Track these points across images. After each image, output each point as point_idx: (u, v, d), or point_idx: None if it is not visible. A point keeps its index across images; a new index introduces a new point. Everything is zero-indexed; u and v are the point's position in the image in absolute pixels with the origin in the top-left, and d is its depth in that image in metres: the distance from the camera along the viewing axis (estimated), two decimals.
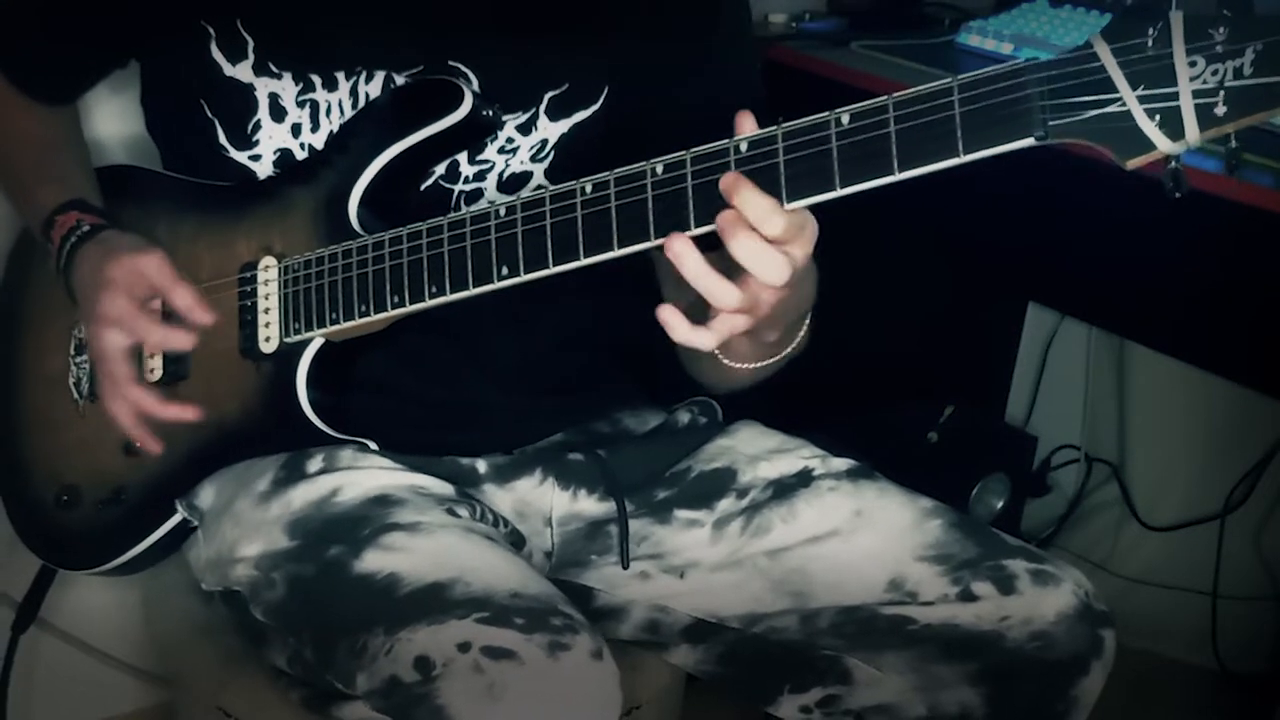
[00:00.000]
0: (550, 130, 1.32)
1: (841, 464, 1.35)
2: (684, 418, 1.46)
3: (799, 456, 1.36)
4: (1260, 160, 1.56)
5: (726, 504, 1.34)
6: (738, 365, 1.20)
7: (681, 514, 1.35)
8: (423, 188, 1.31)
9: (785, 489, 1.33)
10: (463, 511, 1.27)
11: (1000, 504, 2.29)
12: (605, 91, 1.32)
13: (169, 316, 1.27)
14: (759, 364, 1.20)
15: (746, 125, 1.03)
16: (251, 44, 1.27)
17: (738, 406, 1.47)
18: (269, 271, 1.28)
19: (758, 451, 1.38)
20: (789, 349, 1.20)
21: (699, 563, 1.33)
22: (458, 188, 1.32)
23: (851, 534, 1.29)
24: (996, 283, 2.30)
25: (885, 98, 0.97)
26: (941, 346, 2.34)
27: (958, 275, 2.24)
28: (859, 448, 1.39)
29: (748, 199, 1.00)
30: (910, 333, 2.25)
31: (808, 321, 1.20)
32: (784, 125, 1.01)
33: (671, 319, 1.04)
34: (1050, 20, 1.95)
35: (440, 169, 1.31)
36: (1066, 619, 1.21)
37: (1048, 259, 1.84)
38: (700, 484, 1.37)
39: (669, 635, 1.35)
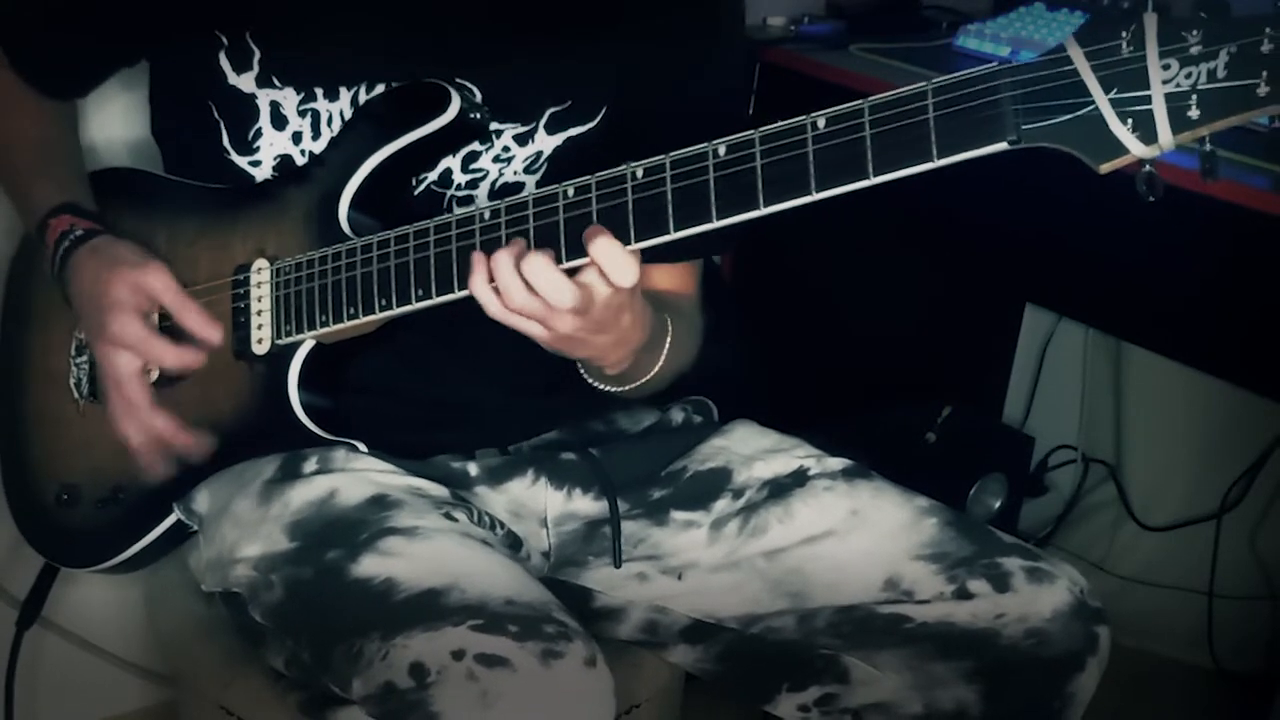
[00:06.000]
0: (546, 143, 1.32)
1: (837, 463, 1.36)
2: (678, 417, 1.47)
3: (794, 456, 1.37)
4: (1255, 163, 1.57)
5: (723, 504, 1.35)
6: (598, 385, 1.26)
7: (678, 515, 1.35)
8: (416, 192, 1.32)
9: (781, 489, 1.34)
10: (459, 515, 1.27)
11: (998, 504, 2.30)
12: (605, 110, 1.32)
13: (171, 329, 1.29)
14: (622, 387, 1.26)
15: None
16: (258, 55, 1.28)
17: (734, 405, 1.48)
18: (262, 273, 1.29)
19: (753, 451, 1.39)
20: (646, 378, 1.25)
21: (696, 564, 1.34)
22: (450, 193, 1.33)
23: (847, 533, 1.29)
24: (994, 284, 2.31)
25: (860, 101, 0.98)
26: (939, 347, 2.35)
27: (955, 276, 2.24)
28: (857, 448, 1.40)
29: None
30: (908, 334, 2.26)
31: (662, 358, 1.25)
32: (761, 130, 1.02)
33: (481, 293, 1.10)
34: (1048, 23, 1.96)
35: (433, 174, 1.31)
36: (1062, 616, 1.22)
37: (1045, 260, 1.85)
38: (696, 484, 1.37)
39: (668, 635, 1.36)
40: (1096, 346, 2.48)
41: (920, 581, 1.25)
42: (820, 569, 1.29)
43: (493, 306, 1.10)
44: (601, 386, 1.27)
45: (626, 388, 1.27)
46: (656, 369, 1.26)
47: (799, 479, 1.34)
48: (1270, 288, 1.57)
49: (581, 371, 1.25)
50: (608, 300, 1.09)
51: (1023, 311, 2.54)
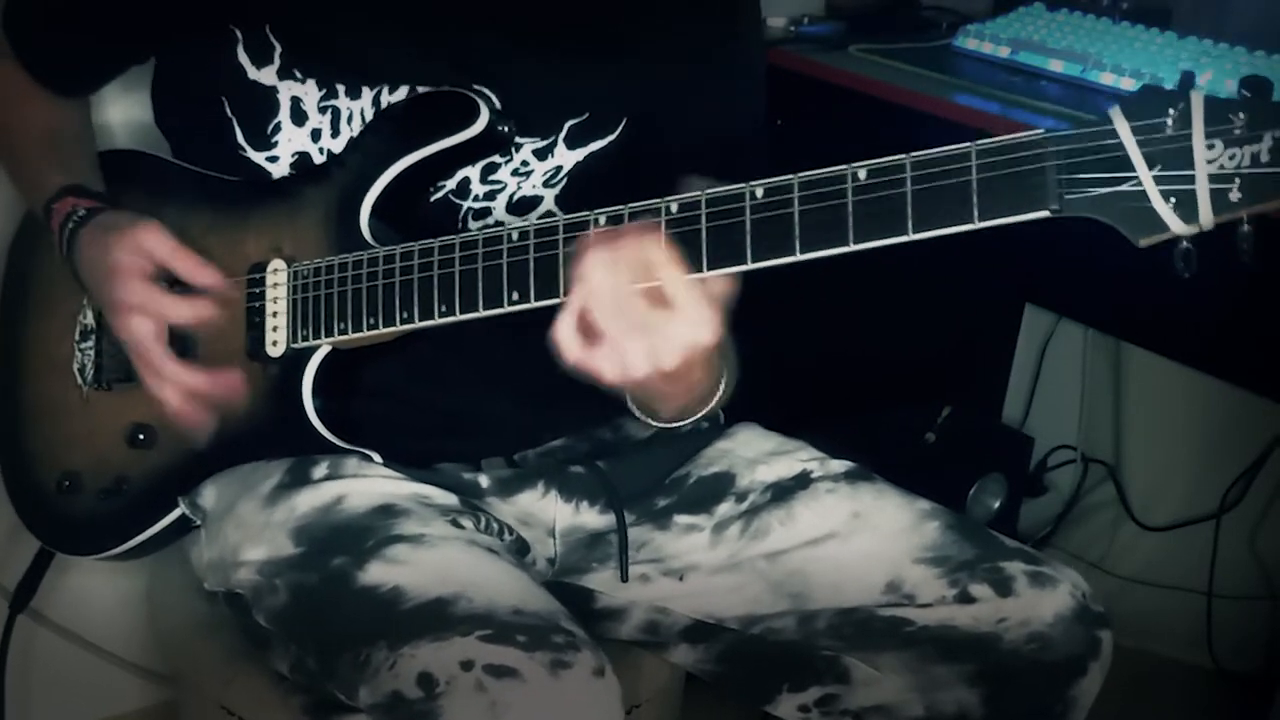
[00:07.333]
0: (566, 158, 1.32)
1: (839, 466, 1.36)
2: None
3: (797, 459, 1.37)
4: None
5: (725, 508, 1.35)
6: (647, 420, 1.25)
7: (681, 519, 1.35)
8: (431, 200, 1.31)
9: (783, 492, 1.34)
10: (466, 522, 1.27)
11: (997, 504, 2.30)
12: (624, 122, 1.32)
13: (177, 285, 1.28)
14: (672, 423, 1.25)
15: None
16: (279, 49, 1.27)
17: (737, 408, 1.48)
18: (278, 275, 1.28)
19: (756, 455, 1.39)
20: (696, 417, 1.24)
21: (698, 566, 1.34)
22: (466, 204, 1.32)
23: (849, 536, 1.29)
24: (993, 284, 2.31)
25: (903, 156, 0.98)
26: (939, 348, 2.35)
27: (955, 277, 2.24)
28: (857, 448, 1.40)
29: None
30: (908, 334, 2.26)
31: (721, 388, 1.24)
32: (800, 175, 1.02)
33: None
34: (1048, 24, 1.95)
35: (451, 184, 1.31)
36: (1064, 620, 1.22)
37: (1044, 261, 1.84)
38: (699, 489, 1.37)
39: (668, 635, 1.36)
40: (1096, 346, 2.48)
41: (922, 585, 1.25)
42: (822, 571, 1.29)
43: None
44: (649, 421, 1.25)
45: (674, 425, 1.26)
46: (705, 411, 1.25)
47: (802, 482, 1.34)
48: (1270, 289, 1.57)
49: (631, 407, 1.24)
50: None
51: (1022, 311, 2.55)
